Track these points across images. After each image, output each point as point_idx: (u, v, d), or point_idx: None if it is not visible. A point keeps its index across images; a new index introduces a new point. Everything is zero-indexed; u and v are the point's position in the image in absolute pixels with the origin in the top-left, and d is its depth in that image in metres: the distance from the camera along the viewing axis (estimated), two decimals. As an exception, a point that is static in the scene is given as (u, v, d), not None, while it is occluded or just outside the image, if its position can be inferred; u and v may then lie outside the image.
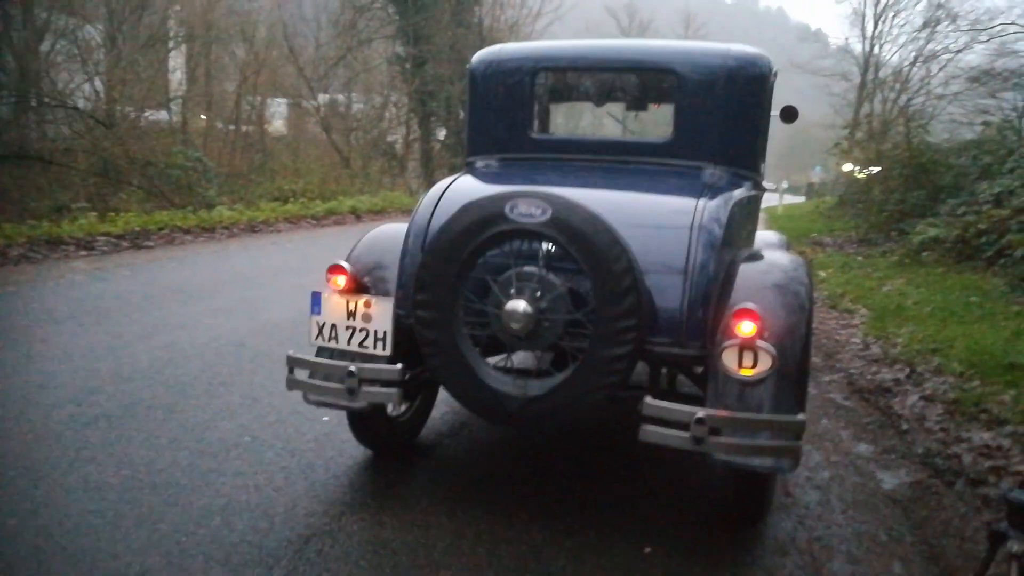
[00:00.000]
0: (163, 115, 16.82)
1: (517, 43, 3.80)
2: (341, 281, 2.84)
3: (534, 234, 2.46)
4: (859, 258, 10.55)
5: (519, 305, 2.45)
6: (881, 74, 27.67)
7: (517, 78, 3.38)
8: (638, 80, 3.52)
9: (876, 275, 8.98)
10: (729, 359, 2.42)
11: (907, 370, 4.98)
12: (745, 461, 2.40)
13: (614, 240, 2.39)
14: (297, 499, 2.91)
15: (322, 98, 21.21)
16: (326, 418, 3.70)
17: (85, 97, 14.57)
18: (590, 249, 2.39)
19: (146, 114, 15.14)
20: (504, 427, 3.28)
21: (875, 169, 15.46)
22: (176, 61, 19.81)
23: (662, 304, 2.56)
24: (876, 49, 28.10)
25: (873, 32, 28.02)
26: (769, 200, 27.60)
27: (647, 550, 2.65)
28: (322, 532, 2.67)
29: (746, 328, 2.38)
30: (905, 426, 4.00)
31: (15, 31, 13.49)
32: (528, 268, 2.52)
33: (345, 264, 2.87)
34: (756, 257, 2.86)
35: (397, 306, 2.79)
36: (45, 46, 14.36)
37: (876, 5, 28.00)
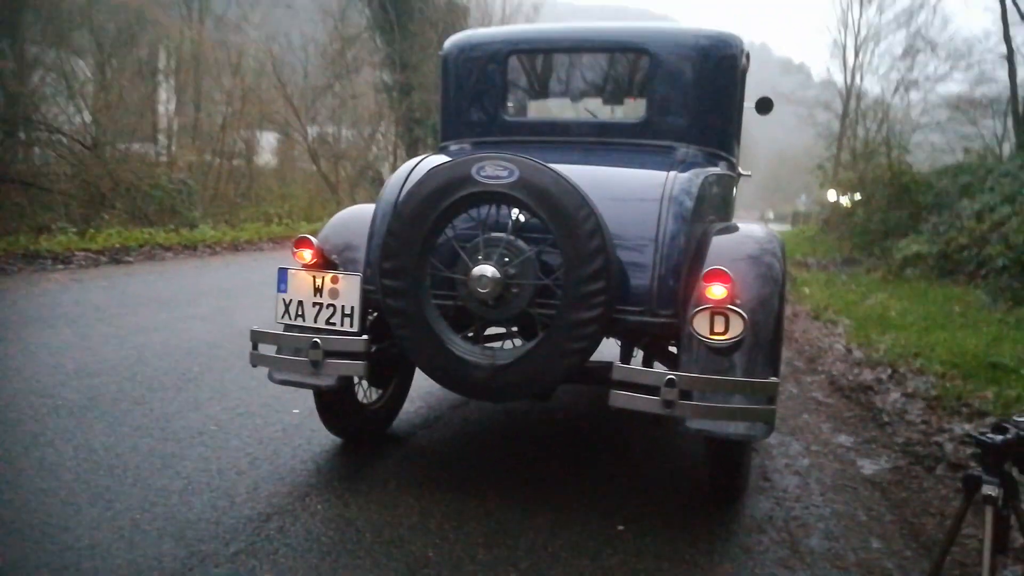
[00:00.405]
0: (151, 148, 16.82)
1: (489, 28, 3.80)
2: (307, 255, 2.78)
3: (501, 195, 2.41)
4: (843, 276, 10.57)
5: (486, 270, 2.40)
6: (863, 104, 28.08)
7: (490, 62, 3.36)
8: (612, 68, 3.51)
9: (859, 290, 9.00)
10: (700, 324, 2.36)
11: (889, 371, 4.94)
12: (718, 428, 2.34)
13: (582, 202, 2.35)
14: (260, 481, 2.81)
15: (311, 131, 21.27)
16: (296, 410, 3.61)
17: (72, 126, 14.56)
18: (557, 210, 2.35)
19: (134, 146, 15.12)
20: (472, 399, 3.18)
21: (858, 196, 15.62)
22: (165, 93, 19.90)
23: (633, 273, 2.52)
24: (858, 79, 28.56)
25: (854, 62, 28.50)
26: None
27: (620, 527, 2.57)
28: (284, 511, 2.58)
29: (717, 291, 2.34)
30: (886, 419, 3.95)
31: (3, 61, 13.54)
32: (496, 234, 2.48)
33: (311, 237, 2.81)
34: (730, 229, 2.82)
35: (365, 282, 2.73)
36: (35, 78, 14.40)
37: (856, 36, 28.52)
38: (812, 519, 2.72)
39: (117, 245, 9.03)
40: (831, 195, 21.10)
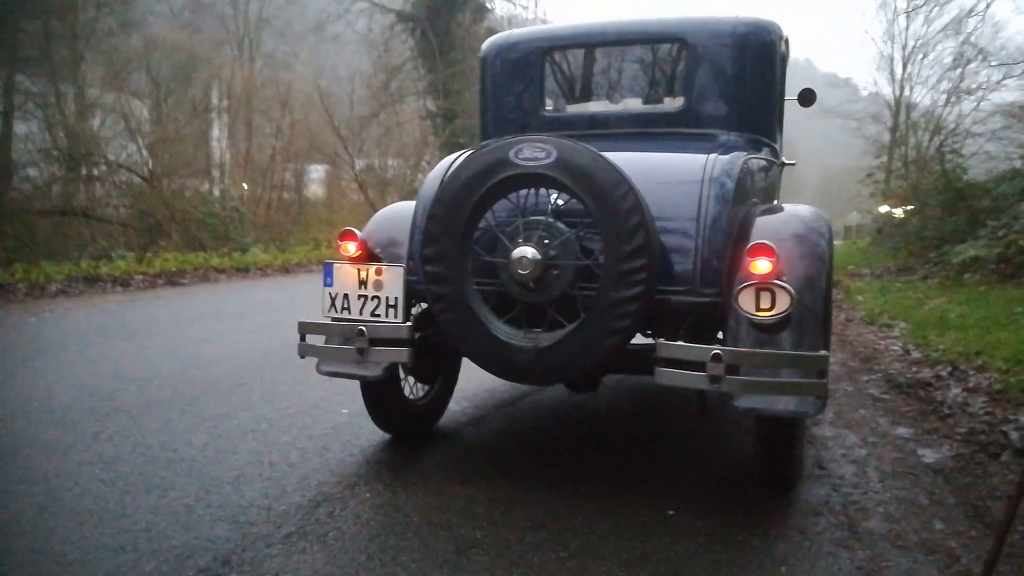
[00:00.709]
0: (204, 182, 17.36)
1: (526, 28, 3.85)
2: (352, 247, 2.82)
3: (540, 176, 2.42)
4: (897, 284, 10.29)
5: (527, 251, 2.41)
6: (913, 116, 27.46)
7: (528, 59, 3.40)
8: (650, 60, 3.51)
9: (915, 296, 8.74)
10: (746, 301, 2.32)
11: (949, 368, 4.78)
12: (766, 405, 2.29)
13: (620, 179, 2.35)
14: (310, 472, 2.84)
15: (359, 163, 21.68)
16: (345, 410, 3.65)
17: (131, 160, 15.12)
18: (596, 189, 2.35)
19: (188, 182, 15.62)
20: (516, 383, 3.14)
21: (911, 207, 15.25)
22: (218, 129, 20.57)
23: (675, 253, 2.50)
24: (907, 91, 27.97)
25: (903, 74, 27.94)
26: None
27: (670, 512, 2.52)
28: (333, 498, 2.60)
29: (762, 266, 2.30)
30: (947, 411, 3.81)
31: (67, 108, 14.21)
32: (536, 217, 2.49)
33: (355, 231, 2.85)
34: (774, 210, 2.79)
35: (408, 274, 2.76)
36: (95, 120, 15.07)
37: (904, 48, 27.99)
38: (871, 503, 2.63)
39: (173, 269, 9.31)
40: (883, 208, 20.64)
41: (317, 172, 22.18)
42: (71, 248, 11.17)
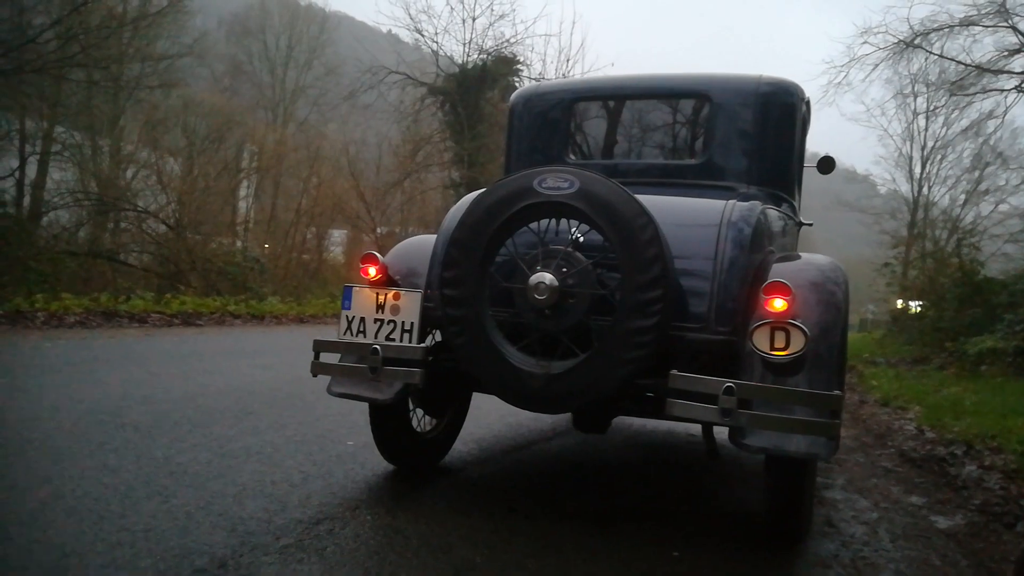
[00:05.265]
0: (228, 238, 17.68)
1: (554, 80, 3.97)
2: (373, 271, 2.87)
3: (561, 206, 2.47)
4: (913, 372, 10.19)
5: (544, 277, 2.44)
6: (931, 213, 27.68)
7: (555, 109, 3.51)
8: (674, 113, 3.61)
9: (930, 383, 8.64)
10: (760, 339, 2.33)
11: (964, 447, 4.70)
12: (778, 444, 2.27)
13: (640, 210, 2.40)
14: (312, 493, 2.82)
15: (380, 230, 21.99)
16: (351, 442, 3.63)
17: (159, 208, 15.47)
18: (616, 219, 2.40)
19: (213, 236, 15.92)
20: (527, 410, 3.11)
21: (926, 303, 15.21)
22: (245, 189, 21.05)
23: (691, 291, 2.52)
24: (925, 189, 28.26)
25: (921, 173, 28.30)
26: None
27: (675, 554, 2.47)
28: (334, 517, 2.57)
29: (777, 304, 2.32)
30: (961, 484, 3.74)
31: (101, 160, 14.68)
32: (555, 246, 2.53)
33: (377, 254, 2.90)
34: (791, 257, 2.82)
35: (426, 300, 2.79)
36: (128, 173, 15.51)
37: (923, 148, 28.42)
38: (882, 560, 2.57)
39: (190, 310, 9.40)
40: (899, 303, 20.58)
41: (339, 236, 22.52)
42: (92, 289, 11.32)
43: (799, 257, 2.82)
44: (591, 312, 2.46)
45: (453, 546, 2.38)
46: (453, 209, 3.03)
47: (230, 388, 4.80)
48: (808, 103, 3.43)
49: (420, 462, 3.28)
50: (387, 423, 3.06)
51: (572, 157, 3.53)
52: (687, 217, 2.76)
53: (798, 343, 2.29)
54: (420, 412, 3.26)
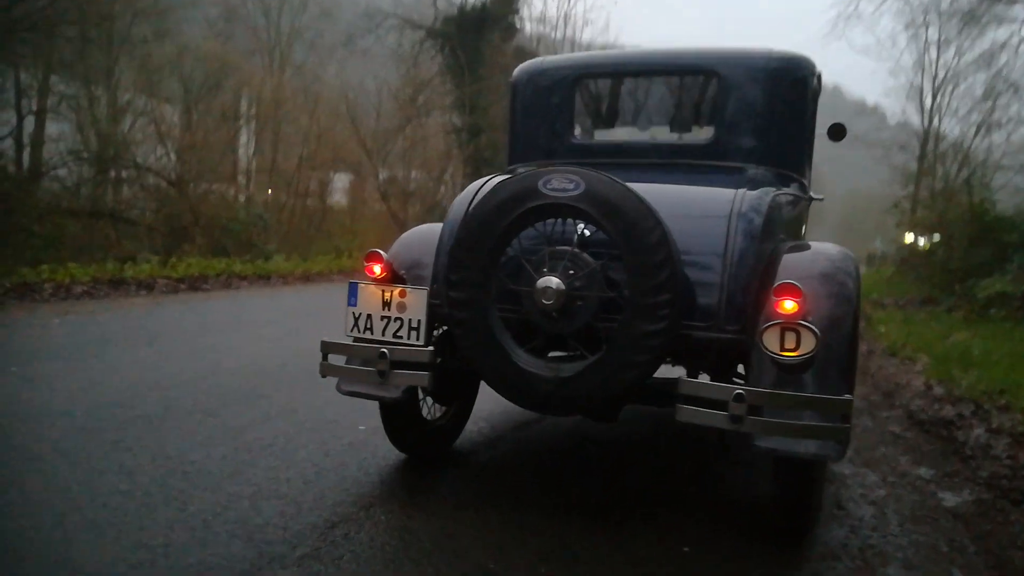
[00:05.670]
0: (230, 188, 17.59)
1: (558, 55, 3.87)
2: (377, 269, 2.84)
3: (567, 208, 2.43)
4: (921, 315, 10.18)
5: (551, 281, 2.41)
6: (942, 146, 27.23)
7: (559, 86, 3.42)
8: (681, 91, 3.51)
9: (939, 328, 8.64)
10: (770, 340, 2.30)
11: (972, 407, 4.72)
12: (788, 447, 2.27)
13: (648, 212, 2.35)
14: (326, 491, 2.85)
15: (382, 173, 21.85)
16: (362, 427, 3.66)
17: (159, 164, 15.37)
18: (623, 222, 2.35)
19: (215, 185, 15.85)
20: (535, 412, 3.16)
21: (936, 237, 15.10)
22: (245, 136, 20.82)
23: (700, 289, 2.49)
24: (936, 122, 27.73)
25: (932, 105, 27.73)
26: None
27: (685, 549, 2.51)
28: (348, 519, 2.60)
29: (788, 306, 2.29)
30: (969, 453, 3.76)
31: (99, 112, 14.48)
32: (561, 247, 2.49)
33: (381, 252, 2.87)
34: (801, 247, 2.77)
35: (432, 296, 2.77)
36: (126, 122, 15.32)
37: (934, 79, 27.79)
38: (890, 548, 2.60)
39: (196, 274, 9.42)
40: (908, 237, 20.43)
41: (341, 181, 22.38)
42: (96, 250, 11.33)
43: (809, 247, 2.78)
44: (599, 312, 2.44)
45: (465, 550, 2.41)
46: (459, 199, 2.99)
47: (239, 368, 4.83)
48: (819, 77, 3.33)
49: (431, 450, 3.31)
50: (397, 417, 3.07)
51: (577, 136, 3.46)
52: (695, 208, 2.71)
53: (808, 344, 2.27)
54: (430, 400, 3.27)
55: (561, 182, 2.43)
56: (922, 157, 27.38)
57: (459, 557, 2.36)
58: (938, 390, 5.37)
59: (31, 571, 2.13)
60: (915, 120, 28.43)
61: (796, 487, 2.51)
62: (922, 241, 17.77)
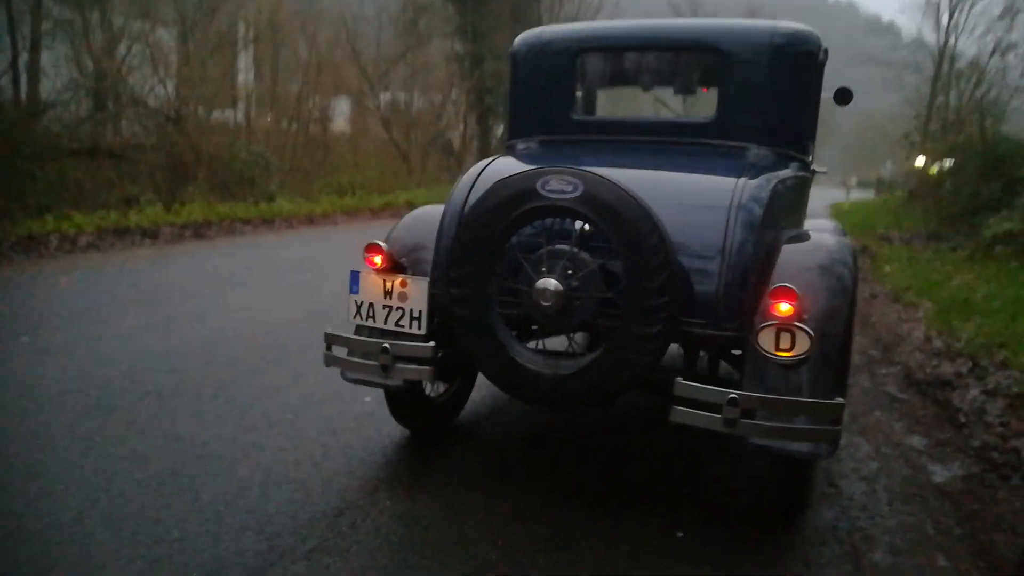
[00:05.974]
0: (230, 115, 17.34)
1: (560, 25, 3.77)
2: (378, 260, 2.86)
3: (566, 210, 2.43)
4: (927, 253, 10.17)
5: (549, 283, 2.43)
6: (957, 66, 26.54)
7: (560, 59, 3.35)
8: (683, 60, 3.44)
9: (944, 269, 8.64)
10: (766, 340, 2.34)
11: (969, 364, 4.78)
12: (781, 445, 2.33)
13: (646, 216, 2.35)
14: (334, 474, 2.95)
15: (383, 97, 21.48)
16: (367, 399, 3.75)
17: (157, 98, 15.13)
18: (621, 225, 2.36)
19: (214, 113, 15.64)
20: (536, 407, 3.24)
21: (948, 163, 14.88)
22: (244, 62, 20.37)
23: (698, 284, 2.50)
24: (952, 40, 26.96)
25: (948, 23, 26.91)
26: (836, 195, 26.76)
27: (679, 535, 2.61)
28: (355, 506, 2.70)
29: (784, 308, 2.31)
30: (963, 419, 3.84)
31: (93, 35, 14.13)
32: (560, 246, 2.50)
33: (382, 243, 2.89)
34: (800, 238, 2.77)
35: (433, 286, 2.80)
36: (121, 49, 14.99)
37: (952, -4, 26.86)
38: (877, 531, 2.69)
39: (200, 220, 9.43)
40: (919, 160, 20.13)
41: (342, 107, 22.01)
42: (99, 192, 11.28)
43: (808, 237, 2.78)
44: (598, 310, 2.47)
45: (469, 539, 2.51)
46: (462, 181, 2.98)
47: (246, 329, 4.91)
48: (826, 50, 3.25)
49: (435, 426, 3.40)
50: (401, 401, 3.15)
51: (576, 110, 3.41)
52: (695, 198, 2.70)
53: (803, 345, 2.31)
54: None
55: (560, 184, 2.42)
56: (936, 78, 26.74)
57: (463, 548, 2.46)
58: (937, 343, 5.43)
59: (56, 571, 2.23)
60: (930, 39, 27.60)
61: (790, 482, 2.61)
62: (934, 167, 17.53)
